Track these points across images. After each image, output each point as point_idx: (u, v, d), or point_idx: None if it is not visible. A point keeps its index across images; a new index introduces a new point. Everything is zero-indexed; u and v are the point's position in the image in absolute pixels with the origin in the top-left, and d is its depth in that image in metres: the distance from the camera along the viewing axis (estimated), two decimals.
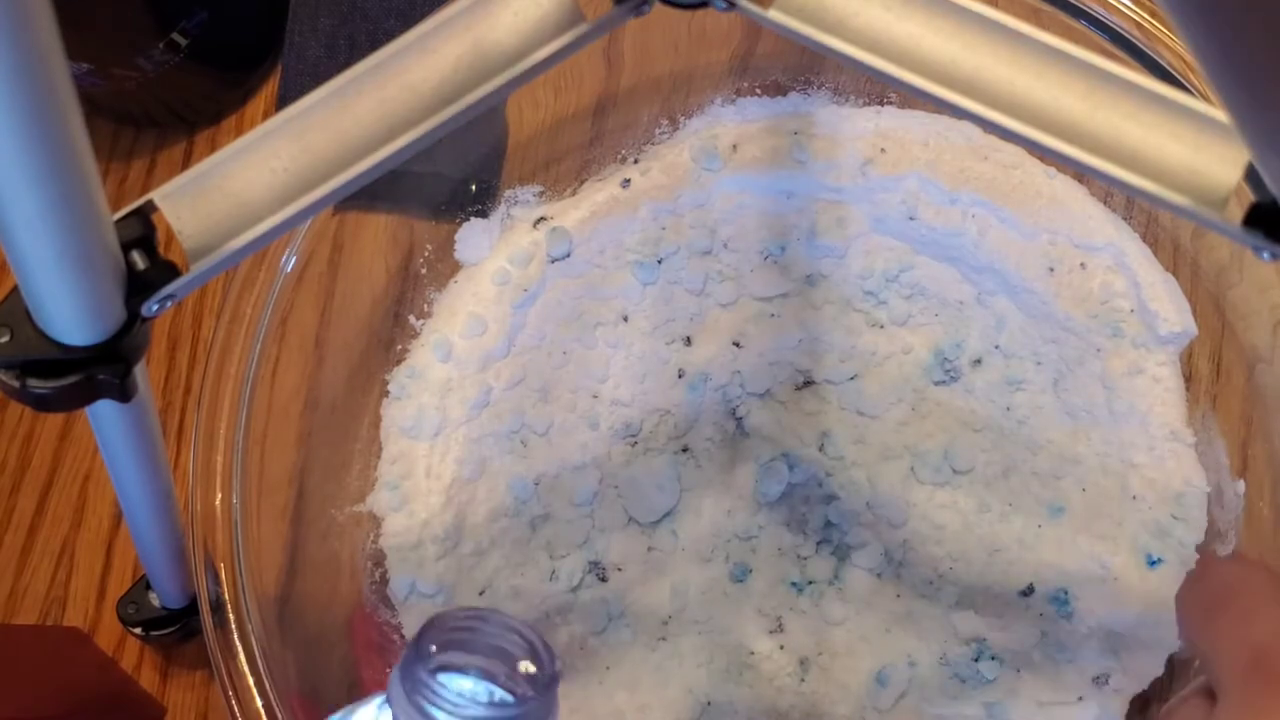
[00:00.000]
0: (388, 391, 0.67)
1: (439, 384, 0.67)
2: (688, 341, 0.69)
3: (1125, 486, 0.64)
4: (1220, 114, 0.37)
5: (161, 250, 0.39)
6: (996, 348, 0.68)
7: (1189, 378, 0.65)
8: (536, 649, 0.39)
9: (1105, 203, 0.68)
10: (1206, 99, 0.38)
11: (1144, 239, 0.67)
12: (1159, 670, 0.61)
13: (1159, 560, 0.62)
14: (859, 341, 0.69)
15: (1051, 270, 0.67)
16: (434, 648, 0.38)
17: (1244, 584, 0.41)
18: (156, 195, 0.39)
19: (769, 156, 0.70)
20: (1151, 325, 0.65)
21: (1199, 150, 0.38)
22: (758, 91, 0.73)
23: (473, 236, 0.70)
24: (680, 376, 0.68)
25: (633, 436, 0.67)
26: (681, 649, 0.64)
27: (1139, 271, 0.66)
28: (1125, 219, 0.67)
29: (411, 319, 0.69)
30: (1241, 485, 0.62)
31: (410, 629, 0.63)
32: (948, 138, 0.69)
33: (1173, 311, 0.65)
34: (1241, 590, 0.41)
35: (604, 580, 0.65)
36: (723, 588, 0.65)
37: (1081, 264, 0.67)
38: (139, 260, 0.38)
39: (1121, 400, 0.65)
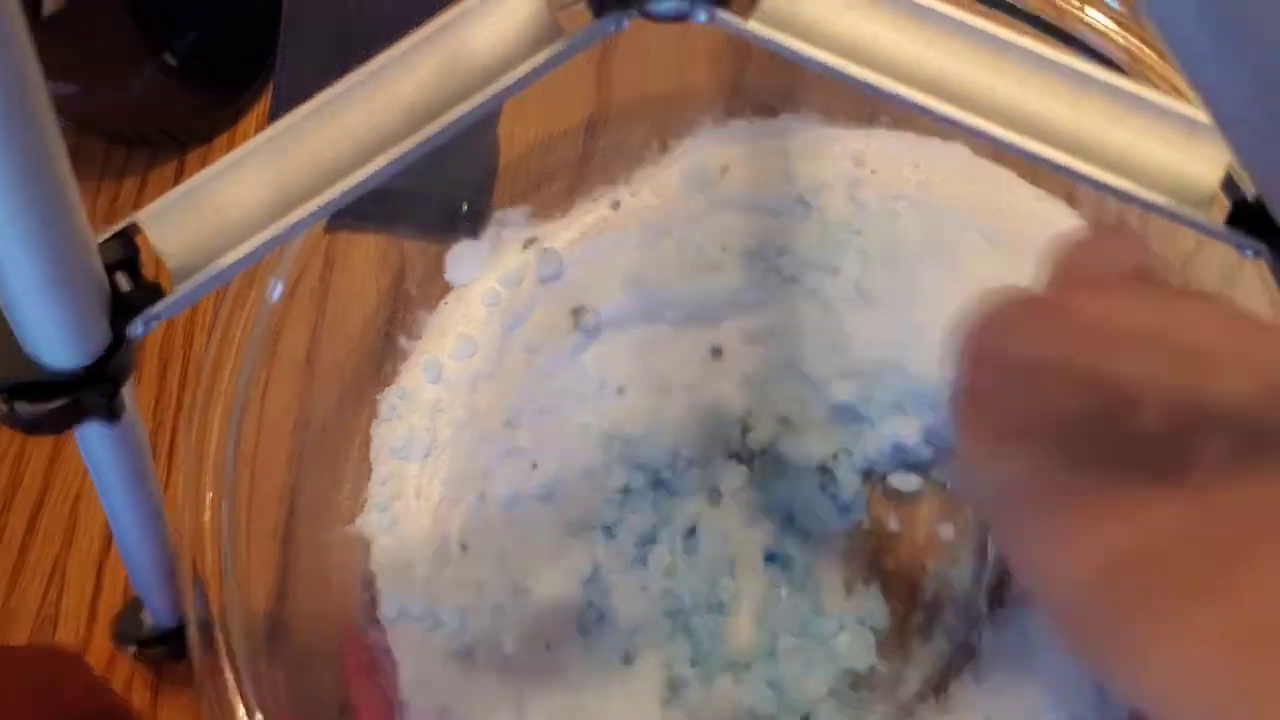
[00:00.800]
0: (378, 412, 0.67)
1: (429, 405, 0.67)
2: (679, 362, 0.69)
3: None
4: (1201, 114, 0.37)
5: (152, 271, 0.39)
6: None
7: None
8: None
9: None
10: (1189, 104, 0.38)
11: None
12: None
13: None
14: (853, 363, 0.69)
15: None
16: None
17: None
18: (140, 216, 0.39)
19: (759, 178, 0.70)
20: None
21: (1182, 151, 0.38)
22: (748, 113, 0.73)
23: (463, 257, 0.70)
24: (670, 394, 0.68)
25: (623, 456, 0.67)
26: (666, 673, 0.64)
27: None
28: None
29: (402, 339, 0.69)
30: None
31: (400, 650, 0.63)
32: (938, 160, 0.69)
33: None
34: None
35: (591, 602, 0.65)
36: (716, 607, 0.65)
37: None
38: (123, 282, 0.38)
39: None
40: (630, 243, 0.71)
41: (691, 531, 0.66)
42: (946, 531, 0.64)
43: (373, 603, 0.64)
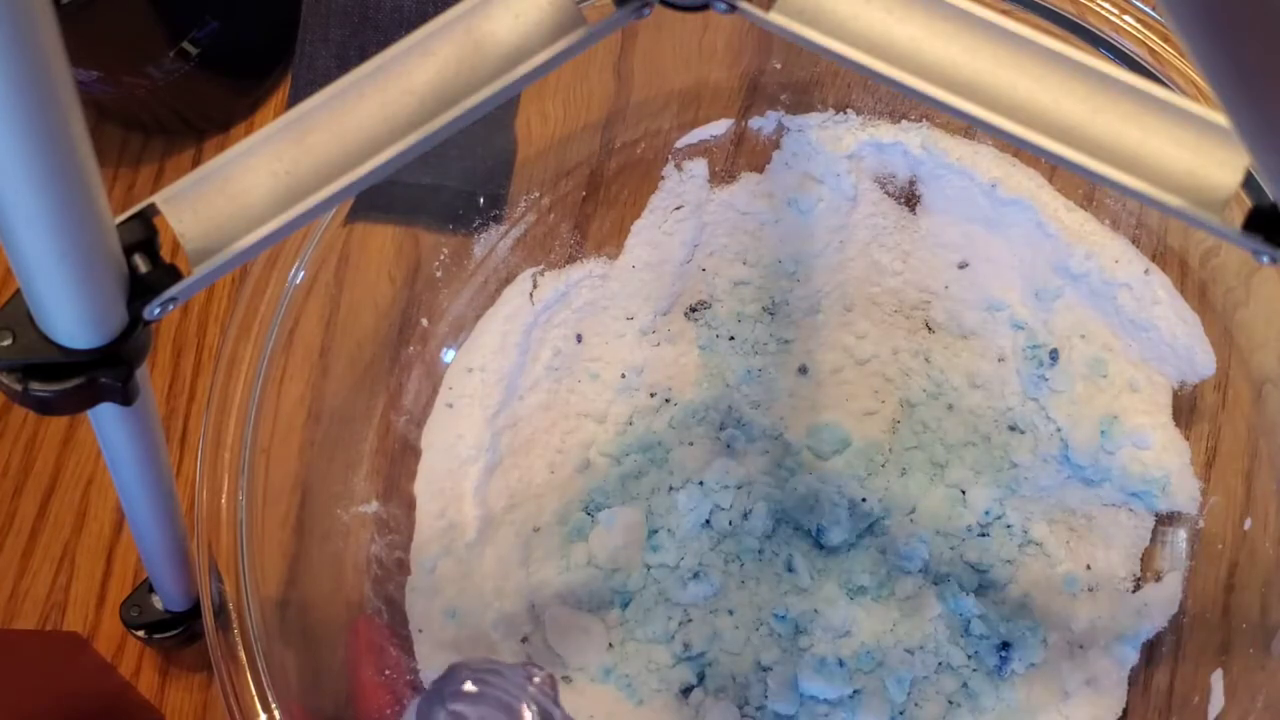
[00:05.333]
0: (419, 449, 0.68)
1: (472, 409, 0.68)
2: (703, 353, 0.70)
3: None
4: (1220, 118, 0.37)
5: (168, 255, 0.39)
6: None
7: (1194, 405, 0.65)
8: (546, 709, 0.41)
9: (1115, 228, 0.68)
10: (1208, 106, 0.38)
11: (1151, 260, 0.67)
12: None
13: None
14: (868, 386, 0.69)
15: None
16: (450, 690, 0.40)
17: None
18: (158, 198, 0.39)
19: (777, 174, 0.70)
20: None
21: (1199, 154, 0.38)
22: (775, 108, 0.73)
23: None
24: (694, 383, 0.68)
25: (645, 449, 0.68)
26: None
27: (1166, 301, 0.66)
28: (1133, 243, 0.67)
29: (424, 321, 0.70)
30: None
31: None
32: (973, 160, 0.69)
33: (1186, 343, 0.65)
34: None
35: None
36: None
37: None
38: (141, 264, 0.38)
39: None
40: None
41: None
42: None
43: (383, 581, 0.64)
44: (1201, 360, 0.64)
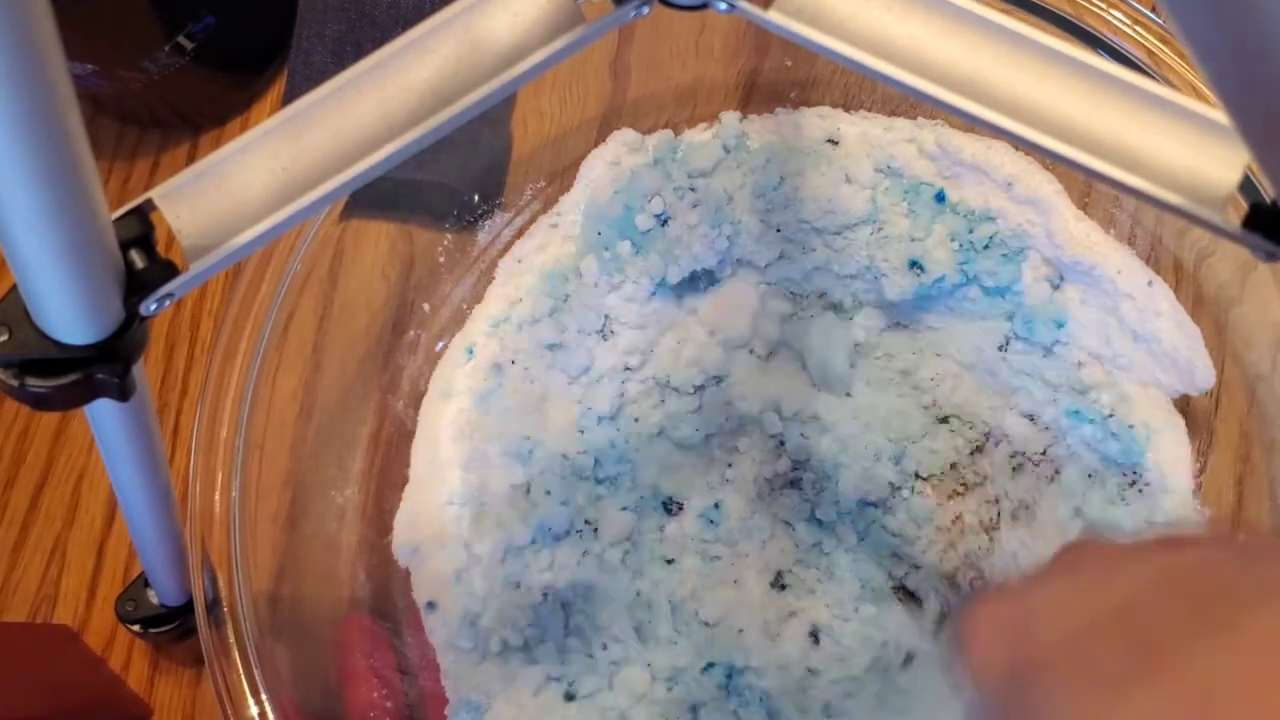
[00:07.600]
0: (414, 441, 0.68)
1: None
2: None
3: None
4: (1220, 116, 0.37)
5: (163, 251, 0.39)
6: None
7: (1186, 408, 0.66)
8: None
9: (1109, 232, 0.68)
10: (1208, 104, 0.38)
11: (1146, 261, 0.67)
12: None
13: None
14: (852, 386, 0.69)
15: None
16: None
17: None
18: (155, 194, 0.39)
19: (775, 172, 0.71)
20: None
21: (1199, 152, 0.38)
22: (784, 104, 0.72)
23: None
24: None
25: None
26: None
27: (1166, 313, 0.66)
28: (1128, 242, 0.67)
29: (425, 307, 0.70)
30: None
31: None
32: (987, 156, 0.69)
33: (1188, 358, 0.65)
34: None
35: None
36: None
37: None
38: (137, 259, 0.38)
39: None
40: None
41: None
42: None
43: (370, 577, 0.64)
44: (1201, 374, 0.64)
